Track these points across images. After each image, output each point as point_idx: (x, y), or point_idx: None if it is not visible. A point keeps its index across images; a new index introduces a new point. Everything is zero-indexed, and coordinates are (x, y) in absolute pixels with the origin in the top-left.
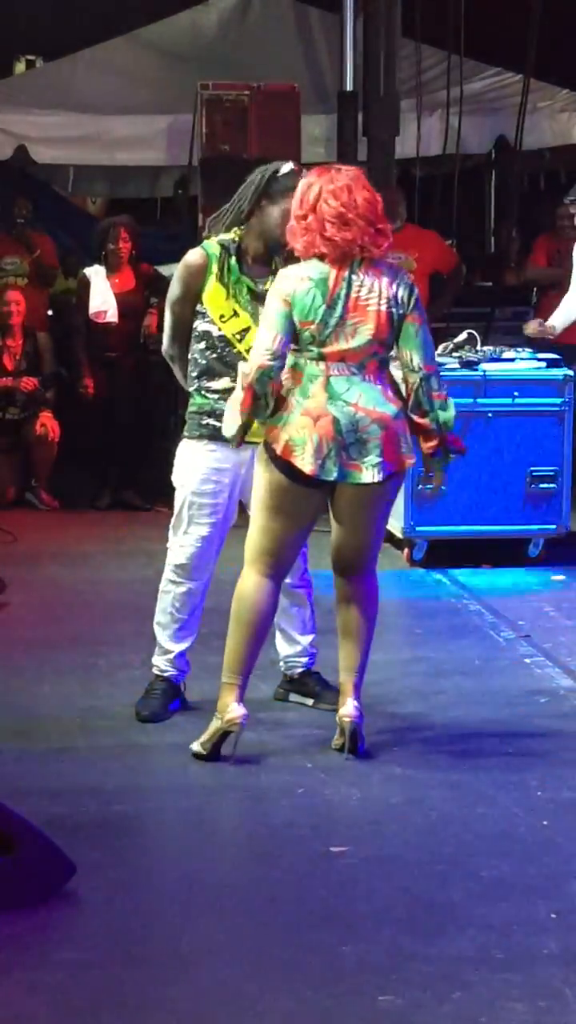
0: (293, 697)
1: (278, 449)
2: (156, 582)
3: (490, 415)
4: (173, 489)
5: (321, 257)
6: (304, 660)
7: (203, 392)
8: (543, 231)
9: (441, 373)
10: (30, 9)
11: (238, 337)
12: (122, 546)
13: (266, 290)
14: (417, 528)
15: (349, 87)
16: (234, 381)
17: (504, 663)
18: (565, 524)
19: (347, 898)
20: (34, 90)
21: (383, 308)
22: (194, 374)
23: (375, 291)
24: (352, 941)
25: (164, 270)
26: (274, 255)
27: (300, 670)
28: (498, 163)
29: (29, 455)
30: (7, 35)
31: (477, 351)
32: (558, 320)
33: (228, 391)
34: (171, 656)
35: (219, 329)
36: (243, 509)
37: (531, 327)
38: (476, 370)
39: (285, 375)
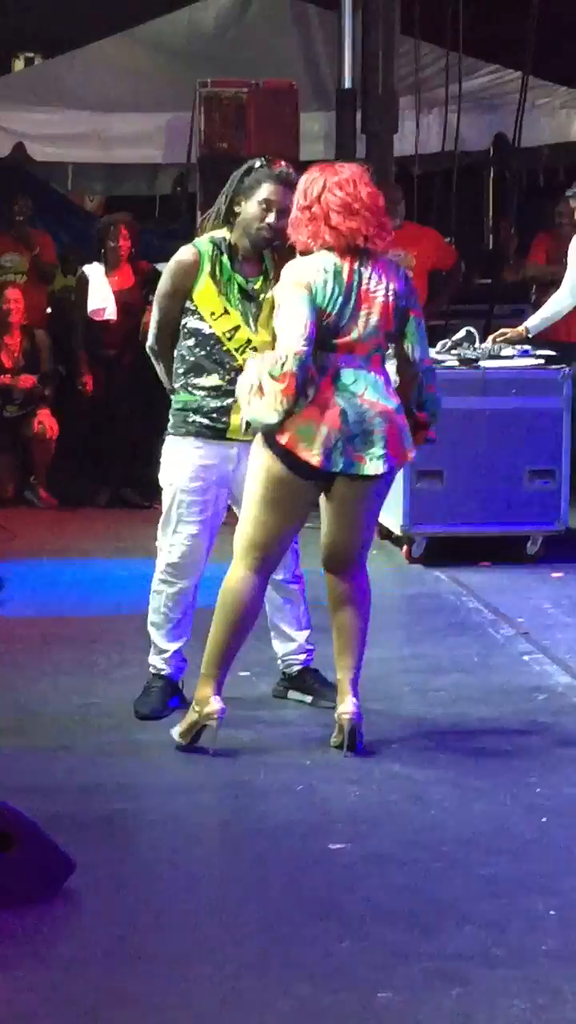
0: (292, 695)
1: (283, 440)
2: None
3: (488, 413)
4: None
5: (329, 249)
6: (302, 657)
7: (190, 389)
8: (542, 228)
9: (439, 370)
10: (29, 7)
11: (228, 335)
12: (121, 544)
13: (256, 289)
14: (416, 525)
15: (348, 84)
16: (222, 379)
17: (503, 660)
18: (564, 522)
19: (346, 895)
20: (33, 87)
21: (390, 300)
22: (181, 371)
23: (382, 283)
24: (351, 938)
25: (163, 268)
26: (259, 251)
27: (298, 667)
28: (497, 160)
29: (27, 453)
30: (6, 32)
31: (476, 348)
32: (534, 321)
33: (216, 388)
34: (167, 655)
35: (210, 327)
36: (230, 509)
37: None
38: (475, 368)
39: None
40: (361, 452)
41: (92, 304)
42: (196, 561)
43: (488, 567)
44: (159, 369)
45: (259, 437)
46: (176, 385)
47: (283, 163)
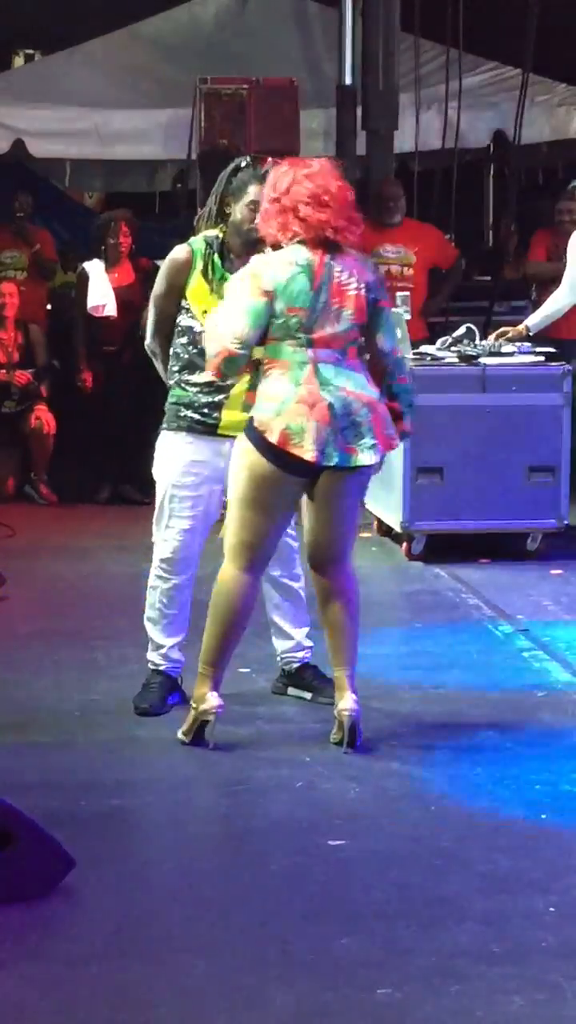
0: (291, 691)
1: (273, 438)
2: None
3: (488, 409)
4: None
5: (300, 242)
6: (301, 655)
7: (183, 385)
8: (541, 226)
9: (440, 368)
10: (29, 3)
11: None
12: (121, 540)
13: None
14: (416, 522)
15: (348, 81)
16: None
17: (502, 657)
18: (564, 518)
19: (345, 891)
20: (32, 84)
21: (362, 293)
22: (175, 368)
23: (353, 276)
24: (350, 934)
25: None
26: (252, 250)
27: (297, 664)
28: (496, 158)
29: (27, 449)
30: (5, 29)
31: (476, 345)
32: (535, 319)
33: (208, 384)
34: (164, 651)
35: (201, 325)
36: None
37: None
38: (475, 364)
39: (270, 364)
40: (353, 444)
41: (92, 300)
42: (189, 556)
43: (488, 564)
44: (158, 367)
45: (241, 437)
46: (171, 381)
47: (269, 160)
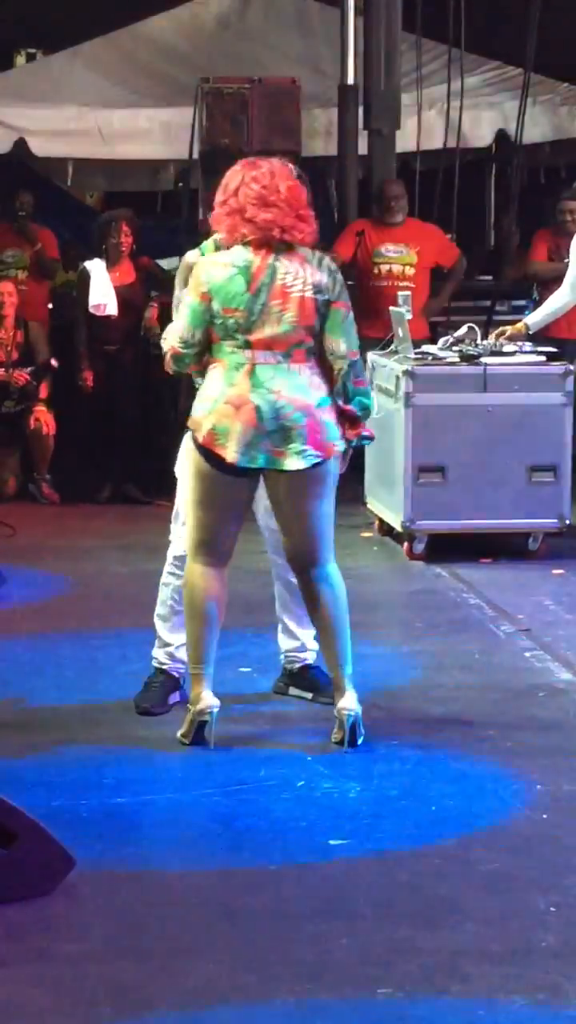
0: (293, 691)
1: (200, 438)
2: (156, 576)
3: (490, 409)
4: (173, 483)
5: (246, 243)
6: (304, 656)
7: None
8: (543, 225)
9: (442, 367)
10: (30, 2)
11: None
12: (122, 540)
13: None
14: (417, 522)
15: (350, 81)
16: None
17: (504, 657)
18: (565, 518)
19: (346, 891)
20: (34, 83)
21: (308, 294)
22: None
23: (299, 277)
24: (351, 934)
25: (164, 263)
26: None
27: (300, 665)
28: (498, 157)
29: (28, 450)
30: (7, 28)
31: (477, 345)
32: (535, 318)
33: None
34: (170, 649)
35: None
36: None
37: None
38: (476, 364)
39: (213, 363)
40: (281, 448)
41: (93, 300)
42: None
43: (489, 563)
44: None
45: (187, 436)
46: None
47: None
